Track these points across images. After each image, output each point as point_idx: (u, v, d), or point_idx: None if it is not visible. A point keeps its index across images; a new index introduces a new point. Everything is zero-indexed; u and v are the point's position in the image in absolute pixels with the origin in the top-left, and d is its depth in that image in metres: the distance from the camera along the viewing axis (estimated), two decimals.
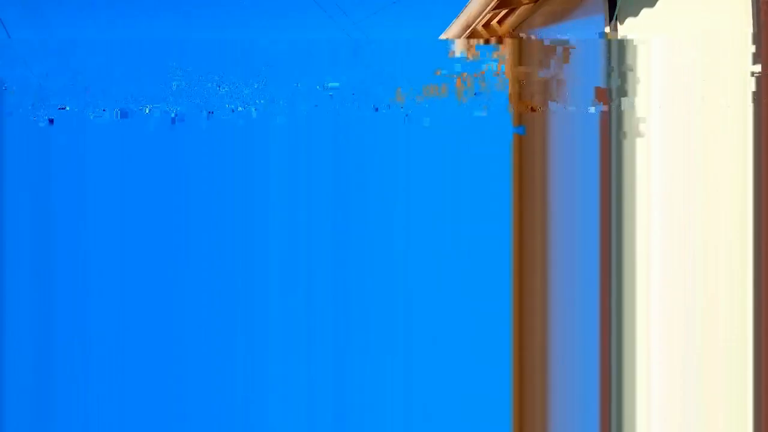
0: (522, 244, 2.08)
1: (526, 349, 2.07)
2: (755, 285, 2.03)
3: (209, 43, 2.11)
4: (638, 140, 2.07)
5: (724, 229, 2.05)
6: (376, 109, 2.09)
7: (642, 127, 2.07)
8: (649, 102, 2.08)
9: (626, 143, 2.07)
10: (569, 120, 2.10)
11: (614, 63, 2.10)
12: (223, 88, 2.08)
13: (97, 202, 2.07)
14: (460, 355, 2.08)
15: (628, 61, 2.09)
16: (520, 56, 2.15)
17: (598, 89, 2.09)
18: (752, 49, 2.06)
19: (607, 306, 2.05)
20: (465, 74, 2.12)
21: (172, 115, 2.07)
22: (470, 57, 2.13)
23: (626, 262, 2.06)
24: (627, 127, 2.08)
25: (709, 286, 2.05)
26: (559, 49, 2.12)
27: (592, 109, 2.08)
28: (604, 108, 2.08)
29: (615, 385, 2.05)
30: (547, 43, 2.14)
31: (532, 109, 2.08)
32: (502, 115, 2.10)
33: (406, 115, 2.10)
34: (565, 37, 2.15)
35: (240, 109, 2.08)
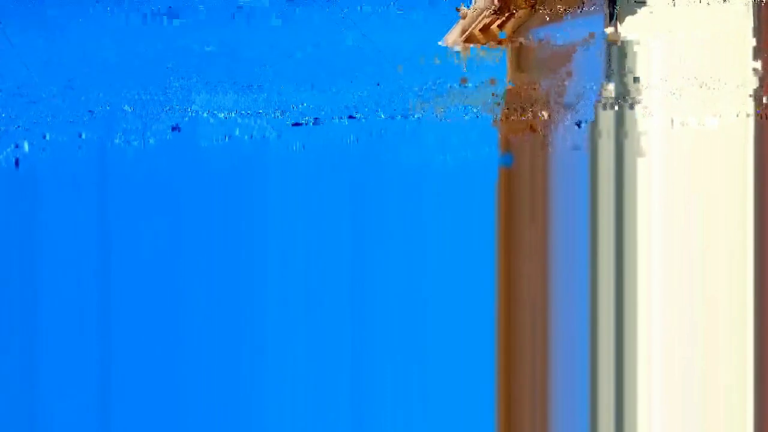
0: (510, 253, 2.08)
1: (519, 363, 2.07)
2: (756, 285, 2.03)
3: (208, 44, 2.11)
4: (638, 142, 2.07)
5: (724, 233, 2.05)
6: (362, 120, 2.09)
7: (641, 127, 2.07)
8: (649, 102, 2.08)
9: (626, 144, 2.07)
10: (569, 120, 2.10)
11: (614, 64, 2.10)
12: (222, 93, 2.08)
13: (97, 209, 2.07)
14: (456, 355, 2.08)
15: (628, 63, 2.10)
16: (519, 62, 2.15)
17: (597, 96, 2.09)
18: (753, 42, 2.05)
19: (608, 315, 2.05)
20: (463, 80, 2.12)
21: (173, 124, 2.07)
22: (466, 59, 2.13)
23: (627, 264, 2.06)
24: (627, 128, 2.07)
25: (709, 289, 2.05)
26: (559, 52, 2.12)
27: (589, 123, 2.07)
28: (604, 111, 2.08)
29: (615, 392, 2.05)
30: (545, 46, 2.13)
31: (532, 128, 2.08)
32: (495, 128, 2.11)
33: (403, 126, 2.10)
34: (564, 39, 2.15)
35: (232, 115, 2.08)
